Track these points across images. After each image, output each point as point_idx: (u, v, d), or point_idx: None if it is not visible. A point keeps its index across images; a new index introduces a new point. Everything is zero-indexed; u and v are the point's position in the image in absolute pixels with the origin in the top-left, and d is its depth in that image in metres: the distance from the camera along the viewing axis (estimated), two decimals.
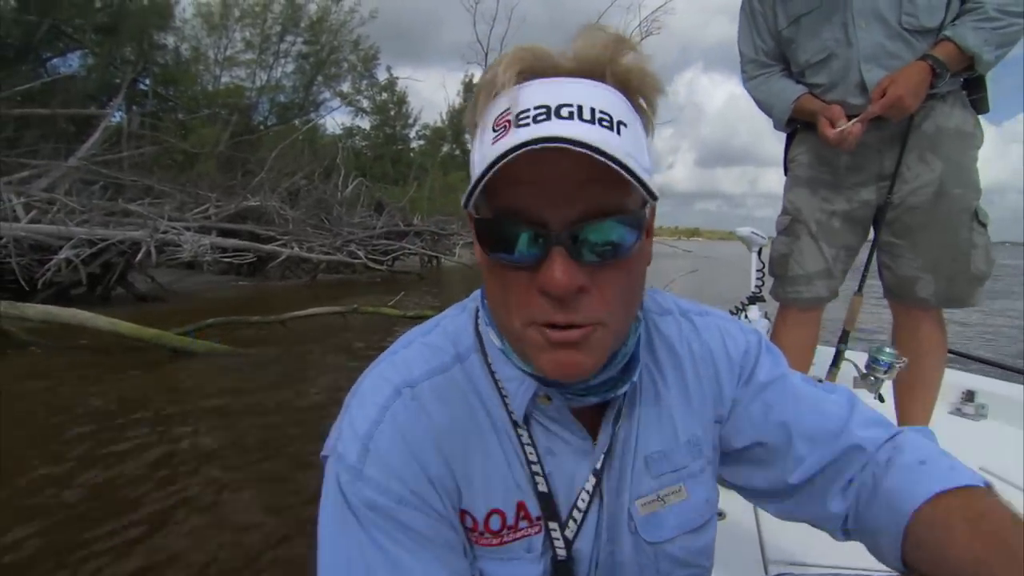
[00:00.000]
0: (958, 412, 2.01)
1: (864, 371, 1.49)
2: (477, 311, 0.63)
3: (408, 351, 0.61)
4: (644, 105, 0.52)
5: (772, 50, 1.61)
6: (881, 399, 1.53)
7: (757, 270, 3.15)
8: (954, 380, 1.99)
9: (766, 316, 3.05)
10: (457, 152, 35.40)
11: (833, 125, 1.44)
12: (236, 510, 2.67)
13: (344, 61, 20.92)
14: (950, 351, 1.99)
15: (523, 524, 0.58)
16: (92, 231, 7.76)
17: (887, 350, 1.50)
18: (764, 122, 1.71)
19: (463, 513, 0.57)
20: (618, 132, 0.47)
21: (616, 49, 0.50)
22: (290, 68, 18.90)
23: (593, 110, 0.47)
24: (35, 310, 5.15)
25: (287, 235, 11.05)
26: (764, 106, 1.65)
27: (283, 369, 5.24)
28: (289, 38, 18.31)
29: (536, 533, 0.58)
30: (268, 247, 10.27)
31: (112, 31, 14.85)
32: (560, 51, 0.50)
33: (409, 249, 14.51)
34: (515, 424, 0.59)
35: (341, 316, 7.00)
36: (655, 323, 0.67)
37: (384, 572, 0.52)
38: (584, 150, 0.43)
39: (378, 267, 12.42)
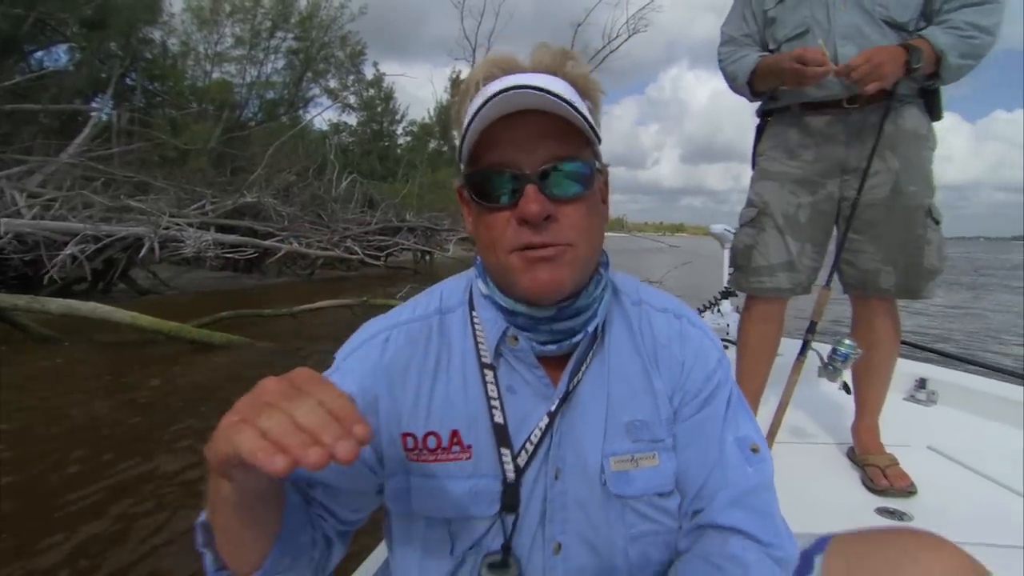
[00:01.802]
0: (912, 398, 2.16)
1: (826, 361, 1.57)
2: (471, 278, 0.75)
3: (406, 304, 0.77)
4: (593, 101, 0.66)
5: (754, 33, 1.69)
6: (848, 390, 1.63)
7: (730, 267, 3.27)
8: (908, 369, 2.19)
9: (737, 310, 3.16)
10: (445, 148, 35.31)
11: (803, 60, 1.45)
12: None
13: (332, 57, 20.82)
14: (905, 342, 2.19)
15: (455, 449, 0.67)
16: (97, 227, 7.81)
17: (846, 342, 1.55)
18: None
19: (404, 436, 0.68)
20: (571, 103, 0.60)
21: (565, 58, 0.65)
22: (280, 64, 18.81)
23: (549, 84, 0.60)
24: (57, 304, 5.24)
25: (285, 231, 11.13)
26: (729, 75, 1.70)
27: (303, 360, 5.40)
28: (279, 34, 18.20)
29: (466, 459, 0.67)
30: (268, 243, 10.36)
31: (99, 25, 14.67)
32: (521, 58, 0.65)
33: (404, 244, 14.62)
34: (484, 366, 0.69)
35: (348, 309, 7.16)
36: (650, 316, 0.75)
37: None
38: (547, 95, 0.57)
39: (375, 263, 12.54)
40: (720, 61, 1.73)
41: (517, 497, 0.66)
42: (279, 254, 10.40)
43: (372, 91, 29.40)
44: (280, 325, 6.62)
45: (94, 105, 14.26)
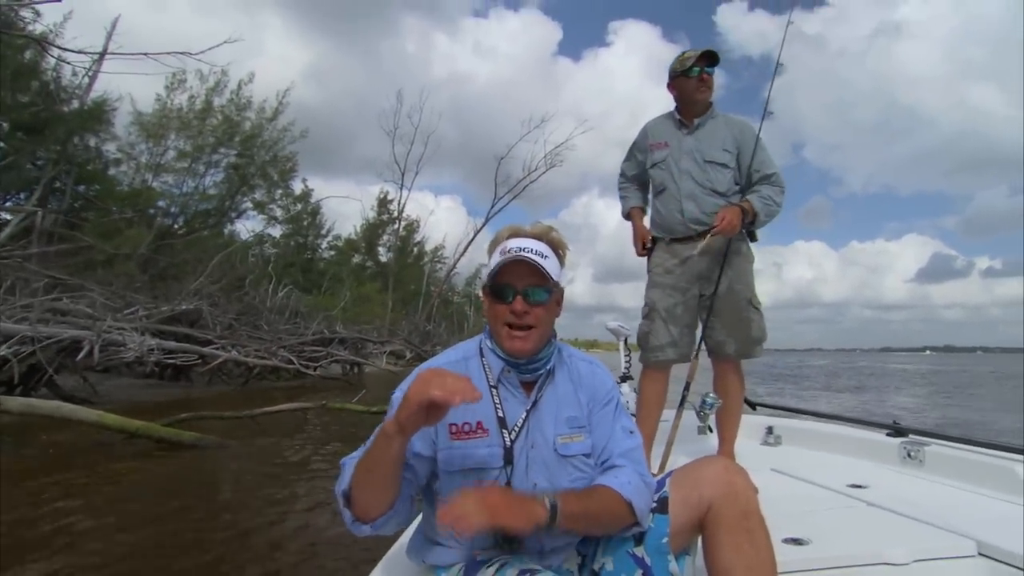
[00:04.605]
0: (765, 442, 2.87)
1: (698, 409, 2.26)
2: (482, 338, 1.23)
3: (443, 354, 1.27)
4: (561, 253, 1.20)
5: (638, 176, 2.57)
6: (711, 430, 2.27)
7: (625, 356, 3.85)
8: (760, 421, 2.97)
9: (634, 390, 3.57)
10: (369, 263, 36.12)
11: (644, 243, 2.42)
12: None
13: (267, 174, 21.61)
14: (759, 404, 3.09)
15: (478, 431, 1.13)
16: (36, 329, 7.64)
17: (711, 395, 2.27)
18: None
19: (450, 425, 1.11)
20: (545, 257, 1.14)
21: (549, 231, 1.20)
22: (219, 177, 19.37)
23: (537, 248, 1.14)
24: (17, 403, 5.20)
25: (223, 339, 11.12)
26: (621, 203, 2.62)
27: (276, 456, 5.59)
28: (223, 150, 18.97)
29: (486, 436, 1.12)
30: (208, 350, 10.31)
31: (37, 131, 14.66)
32: (527, 228, 1.19)
33: (337, 355, 14.74)
34: (491, 386, 1.17)
35: (303, 413, 7.39)
36: (576, 362, 1.26)
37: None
38: (531, 257, 1.11)
39: (311, 372, 12.58)
40: (618, 187, 2.67)
41: (512, 456, 1.13)
42: (217, 361, 10.33)
43: (299, 205, 29.94)
44: (237, 427, 6.70)
45: (20, 206, 13.82)
